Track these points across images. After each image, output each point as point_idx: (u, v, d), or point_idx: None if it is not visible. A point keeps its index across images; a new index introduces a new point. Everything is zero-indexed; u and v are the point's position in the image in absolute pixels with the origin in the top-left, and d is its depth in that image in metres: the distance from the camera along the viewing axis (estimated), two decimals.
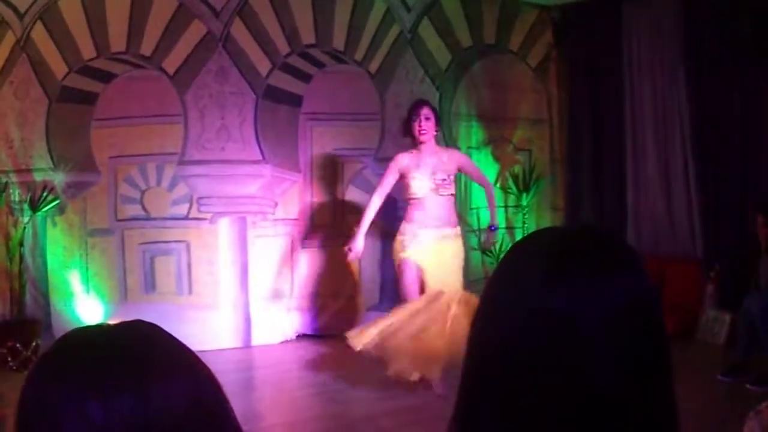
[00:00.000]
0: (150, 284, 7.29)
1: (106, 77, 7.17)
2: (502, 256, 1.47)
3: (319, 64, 7.75)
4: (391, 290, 7.07)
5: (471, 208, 8.17)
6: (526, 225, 8.35)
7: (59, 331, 6.51)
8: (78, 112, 7.12)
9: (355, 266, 7.58)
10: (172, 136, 7.23)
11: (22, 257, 6.77)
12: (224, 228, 7.37)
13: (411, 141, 6.07)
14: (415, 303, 5.79)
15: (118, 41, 7.09)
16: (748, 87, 7.24)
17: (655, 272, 7.07)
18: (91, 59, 7.08)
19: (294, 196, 7.72)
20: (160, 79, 7.19)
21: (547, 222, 8.59)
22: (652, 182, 8.03)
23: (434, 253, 5.94)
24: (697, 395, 4.96)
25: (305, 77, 7.71)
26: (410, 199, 6.03)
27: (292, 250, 7.72)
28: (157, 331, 0.98)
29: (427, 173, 5.96)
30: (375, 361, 5.71)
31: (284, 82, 7.57)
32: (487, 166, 8.44)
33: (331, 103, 7.74)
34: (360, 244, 6.09)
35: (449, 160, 6.14)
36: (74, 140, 7.09)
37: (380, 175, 6.23)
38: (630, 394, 0.95)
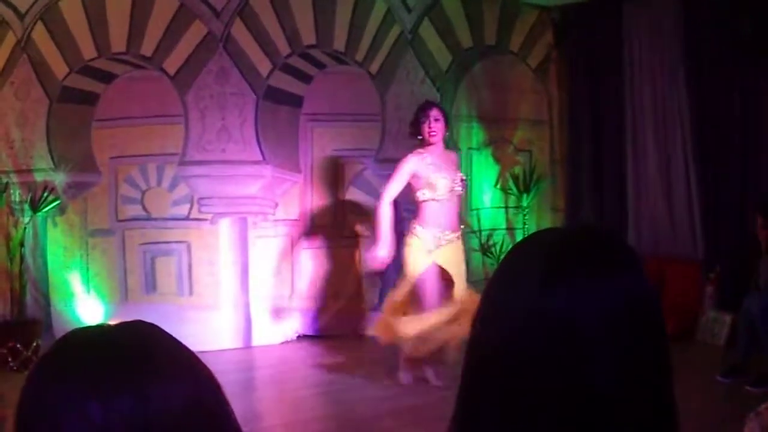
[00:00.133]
0: (150, 285, 7.29)
1: (106, 77, 7.17)
2: (502, 257, 1.47)
3: (320, 65, 7.75)
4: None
5: (471, 209, 8.17)
6: (526, 226, 8.35)
7: (60, 331, 6.50)
8: (79, 113, 7.12)
9: (356, 267, 7.58)
10: (173, 136, 7.23)
11: (22, 258, 6.77)
12: (225, 228, 7.37)
13: (419, 142, 6.02)
14: (448, 309, 5.79)
15: (118, 41, 7.09)
16: (748, 87, 7.24)
17: (655, 273, 7.08)
18: (92, 59, 7.08)
19: (294, 197, 7.71)
20: (160, 79, 7.19)
21: (547, 223, 8.59)
22: (653, 183, 8.03)
23: (451, 254, 5.94)
24: (696, 396, 4.96)
25: (306, 78, 7.71)
26: (425, 201, 5.89)
27: (293, 250, 7.71)
28: (157, 332, 0.98)
29: (445, 175, 5.91)
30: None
31: (285, 82, 7.57)
32: (487, 167, 8.46)
33: (331, 104, 7.74)
34: (387, 252, 5.94)
35: (455, 161, 6.19)
36: (75, 140, 7.09)
37: (388, 178, 6.11)
38: (630, 394, 0.95)
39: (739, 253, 6.98)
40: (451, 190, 5.92)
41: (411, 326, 5.74)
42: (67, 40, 7.01)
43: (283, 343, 7.55)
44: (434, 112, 5.96)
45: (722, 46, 7.29)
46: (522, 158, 8.66)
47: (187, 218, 7.31)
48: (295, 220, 7.72)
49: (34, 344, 6.52)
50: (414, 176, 5.92)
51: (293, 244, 7.71)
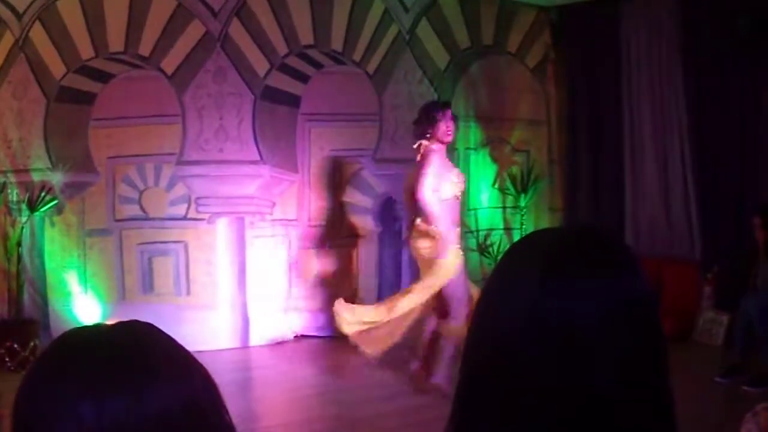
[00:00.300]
0: (148, 284, 7.29)
1: (104, 77, 7.16)
2: (499, 257, 1.47)
3: (318, 65, 7.75)
4: (390, 291, 7.08)
5: (469, 209, 8.17)
6: (524, 226, 8.36)
7: (57, 331, 6.48)
8: (76, 112, 7.11)
9: (353, 267, 7.58)
10: (171, 136, 7.22)
11: (20, 257, 6.76)
12: (222, 228, 7.37)
13: (429, 142, 5.80)
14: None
15: (116, 41, 7.09)
16: (746, 87, 7.25)
17: (652, 273, 7.08)
18: (90, 59, 7.07)
19: (292, 197, 7.71)
20: (158, 79, 7.19)
21: (545, 223, 8.59)
22: (650, 183, 8.03)
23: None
24: (694, 396, 4.95)
25: (303, 78, 7.70)
26: (445, 200, 5.74)
27: (290, 250, 7.71)
28: (154, 332, 0.98)
29: (453, 175, 5.85)
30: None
31: (282, 82, 7.56)
32: (485, 167, 8.46)
33: (329, 104, 7.74)
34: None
35: (451, 164, 6.15)
36: (72, 140, 7.08)
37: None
38: (628, 394, 0.95)
39: (737, 253, 6.98)
40: (461, 191, 5.92)
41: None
42: (64, 40, 7.00)
43: (280, 343, 7.54)
44: (450, 112, 5.84)
45: (720, 46, 7.30)
46: (519, 158, 8.66)
47: (184, 218, 7.31)
48: (293, 219, 7.72)
49: (32, 344, 6.52)
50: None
51: (291, 244, 7.71)
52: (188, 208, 7.30)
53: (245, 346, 7.38)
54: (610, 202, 8.32)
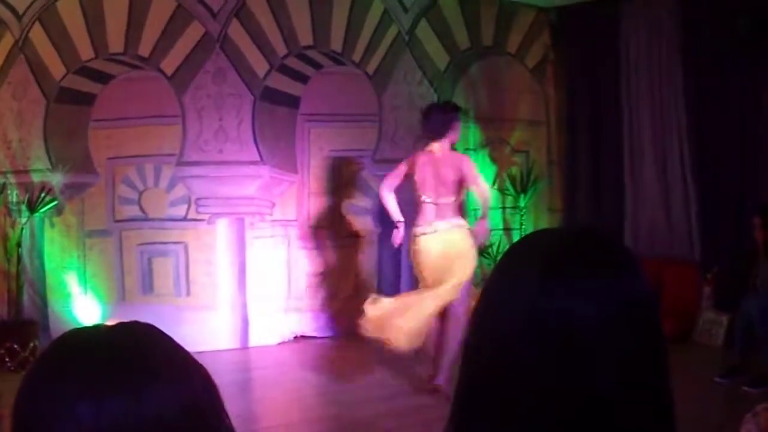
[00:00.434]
0: (148, 285, 7.29)
1: (104, 78, 7.16)
2: (499, 257, 1.47)
3: (317, 66, 7.75)
4: (390, 291, 7.07)
5: (468, 210, 8.15)
6: (523, 226, 8.36)
7: (57, 332, 6.49)
8: (76, 113, 7.11)
9: (353, 268, 7.58)
10: (170, 137, 7.22)
11: (19, 258, 6.76)
12: (222, 229, 7.37)
13: (445, 142, 5.86)
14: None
15: (116, 42, 7.09)
16: (746, 87, 7.25)
17: (652, 274, 7.07)
18: (89, 60, 7.07)
19: (292, 197, 7.72)
20: (158, 80, 7.19)
21: (544, 224, 8.59)
22: (650, 183, 8.03)
23: None
24: (694, 397, 4.95)
25: (303, 78, 7.71)
26: (463, 199, 6.01)
27: (290, 251, 7.71)
28: (154, 333, 0.98)
29: None
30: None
31: (282, 83, 7.56)
32: (484, 168, 8.46)
33: (328, 105, 7.74)
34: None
35: None
36: (72, 141, 7.08)
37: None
38: (628, 395, 0.95)
39: (737, 254, 6.98)
40: None
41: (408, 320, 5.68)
42: (64, 41, 7.00)
43: (280, 343, 7.54)
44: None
45: (720, 46, 7.30)
46: (519, 159, 8.66)
47: (184, 219, 7.31)
48: (293, 220, 7.72)
49: (31, 345, 6.52)
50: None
51: (290, 245, 7.71)
52: (188, 209, 7.30)
53: (245, 346, 7.38)
54: (610, 203, 8.31)
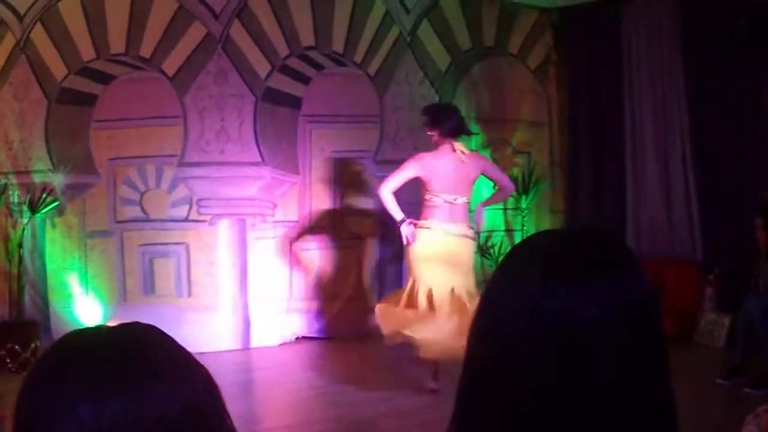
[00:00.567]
0: (149, 286, 7.29)
1: (105, 79, 7.16)
2: (501, 258, 1.47)
3: (319, 66, 7.74)
4: (390, 292, 7.07)
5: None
6: (525, 227, 8.36)
7: (58, 332, 6.49)
8: (77, 114, 7.11)
9: (354, 269, 7.58)
10: (172, 137, 7.22)
11: (21, 259, 6.76)
12: (223, 230, 7.36)
13: (459, 140, 5.96)
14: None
15: (117, 43, 7.09)
16: (747, 87, 7.25)
17: (654, 275, 7.07)
18: (91, 61, 7.07)
19: (293, 198, 7.71)
20: (159, 80, 7.19)
21: (546, 224, 8.59)
22: (652, 184, 8.03)
23: None
24: (696, 398, 4.95)
25: (304, 79, 7.70)
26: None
27: (291, 252, 7.71)
28: (155, 334, 0.98)
29: None
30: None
31: (283, 84, 7.56)
32: None
33: (330, 106, 7.74)
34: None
35: None
36: (73, 142, 7.08)
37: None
38: (630, 396, 0.95)
39: (739, 254, 6.97)
40: None
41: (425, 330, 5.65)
42: (66, 42, 7.00)
43: (281, 344, 7.54)
44: None
45: (720, 46, 7.30)
46: (521, 160, 8.66)
47: (185, 219, 7.30)
48: (294, 221, 7.72)
49: (33, 346, 6.52)
50: None
51: (292, 246, 7.71)
52: (189, 210, 7.30)
53: (246, 347, 7.38)
54: (612, 204, 8.31)
